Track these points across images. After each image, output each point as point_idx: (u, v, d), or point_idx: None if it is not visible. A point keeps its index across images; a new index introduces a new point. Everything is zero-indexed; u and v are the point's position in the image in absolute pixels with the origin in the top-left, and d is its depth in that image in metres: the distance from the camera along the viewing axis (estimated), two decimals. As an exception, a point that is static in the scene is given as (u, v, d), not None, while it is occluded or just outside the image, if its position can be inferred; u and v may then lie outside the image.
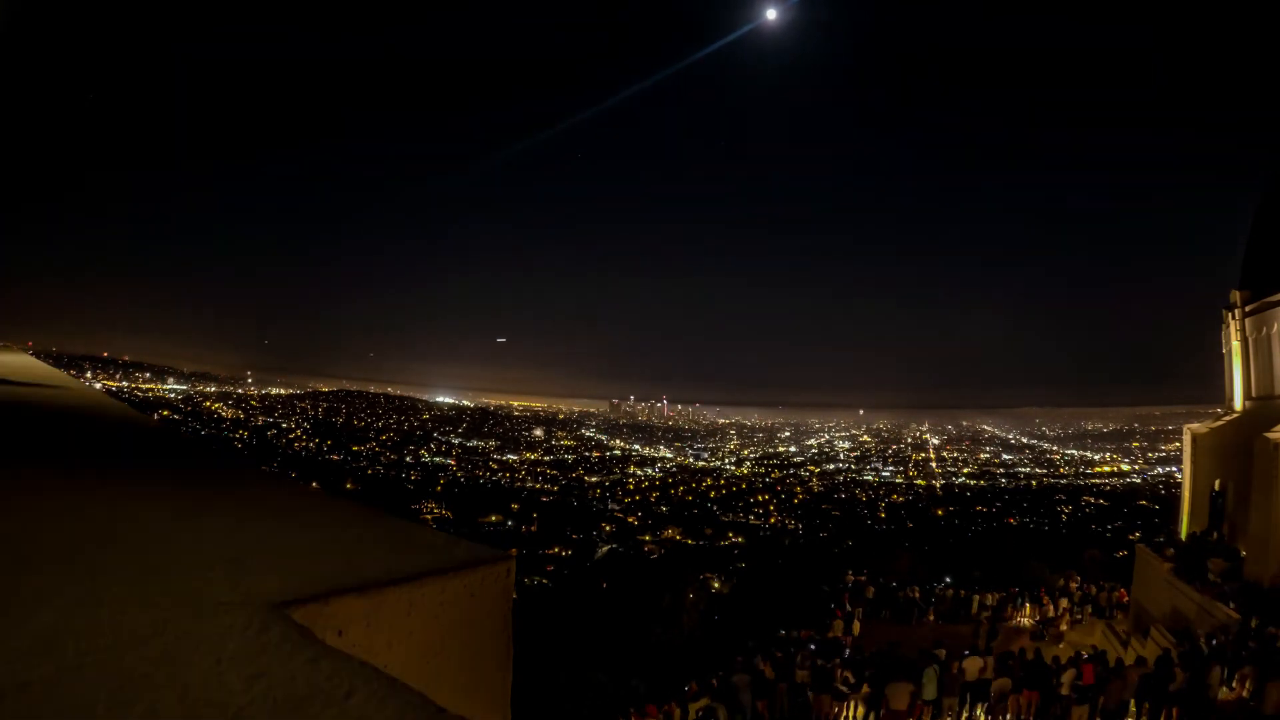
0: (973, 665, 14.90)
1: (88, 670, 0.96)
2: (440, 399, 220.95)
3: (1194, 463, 24.09)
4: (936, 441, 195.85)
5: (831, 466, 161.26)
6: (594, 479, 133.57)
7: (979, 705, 14.23)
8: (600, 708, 19.15)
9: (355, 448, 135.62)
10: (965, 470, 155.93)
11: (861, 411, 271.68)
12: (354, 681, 0.93)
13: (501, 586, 1.62)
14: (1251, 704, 11.72)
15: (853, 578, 26.68)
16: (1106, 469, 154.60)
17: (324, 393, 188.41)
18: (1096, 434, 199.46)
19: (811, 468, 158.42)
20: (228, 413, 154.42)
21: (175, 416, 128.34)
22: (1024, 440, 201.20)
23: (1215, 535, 20.69)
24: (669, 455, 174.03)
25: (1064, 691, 13.57)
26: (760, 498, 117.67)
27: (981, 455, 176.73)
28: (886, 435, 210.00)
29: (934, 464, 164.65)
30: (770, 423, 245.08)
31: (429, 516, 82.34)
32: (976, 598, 23.45)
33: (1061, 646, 19.57)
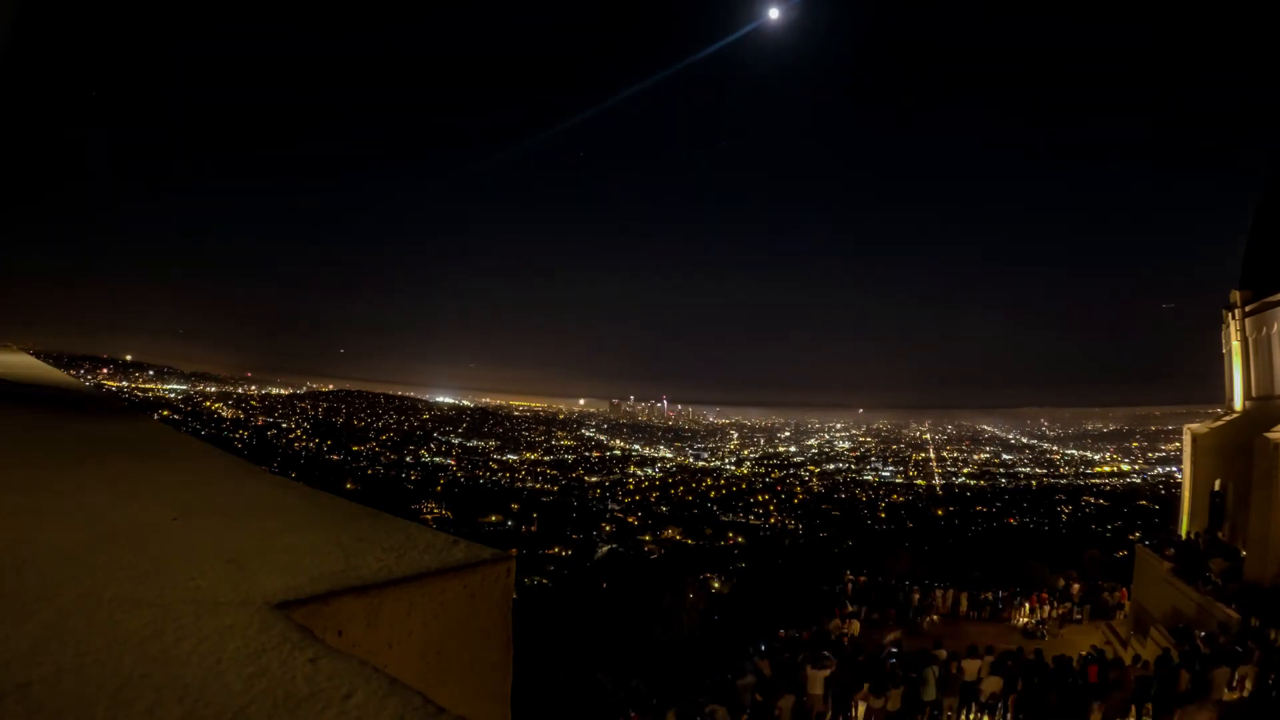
0: (972, 665, 14.91)
1: (88, 670, 0.96)
2: (440, 399, 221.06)
3: (1194, 463, 24.09)
4: (936, 439, 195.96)
5: (831, 466, 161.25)
6: (594, 479, 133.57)
7: (975, 705, 14.25)
8: (600, 708, 19.14)
9: (355, 448, 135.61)
10: (965, 470, 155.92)
11: (861, 411, 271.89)
12: (354, 681, 0.93)
13: (501, 586, 1.62)
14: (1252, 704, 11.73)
15: (852, 577, 26.69)
16: (1106, 469, 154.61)
17: (324, 393, 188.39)
18: (1096, 434, 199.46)
19: (811, 468, 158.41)
20: (228, 413, 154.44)
21: (175, 416, 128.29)
22: (1024, 440, 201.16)
23: (1215, 535, 20.69)
24: (669, 455, 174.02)
25: (1062, 691, 13.57)
26: (760, 498, 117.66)
27: (981, 455, 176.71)
28: (886, 435, 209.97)
29: (934, 464, 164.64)
30: (770, 423, 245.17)
31: (429, 516, 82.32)
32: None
33: (1061, 645, 19.57)
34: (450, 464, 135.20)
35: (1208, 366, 26.43)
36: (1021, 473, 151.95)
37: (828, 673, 14.63)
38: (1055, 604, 23.53)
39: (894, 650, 16.67)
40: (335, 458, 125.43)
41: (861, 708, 14.41)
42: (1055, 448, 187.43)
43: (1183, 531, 23.32)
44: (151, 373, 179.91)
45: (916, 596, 24.01)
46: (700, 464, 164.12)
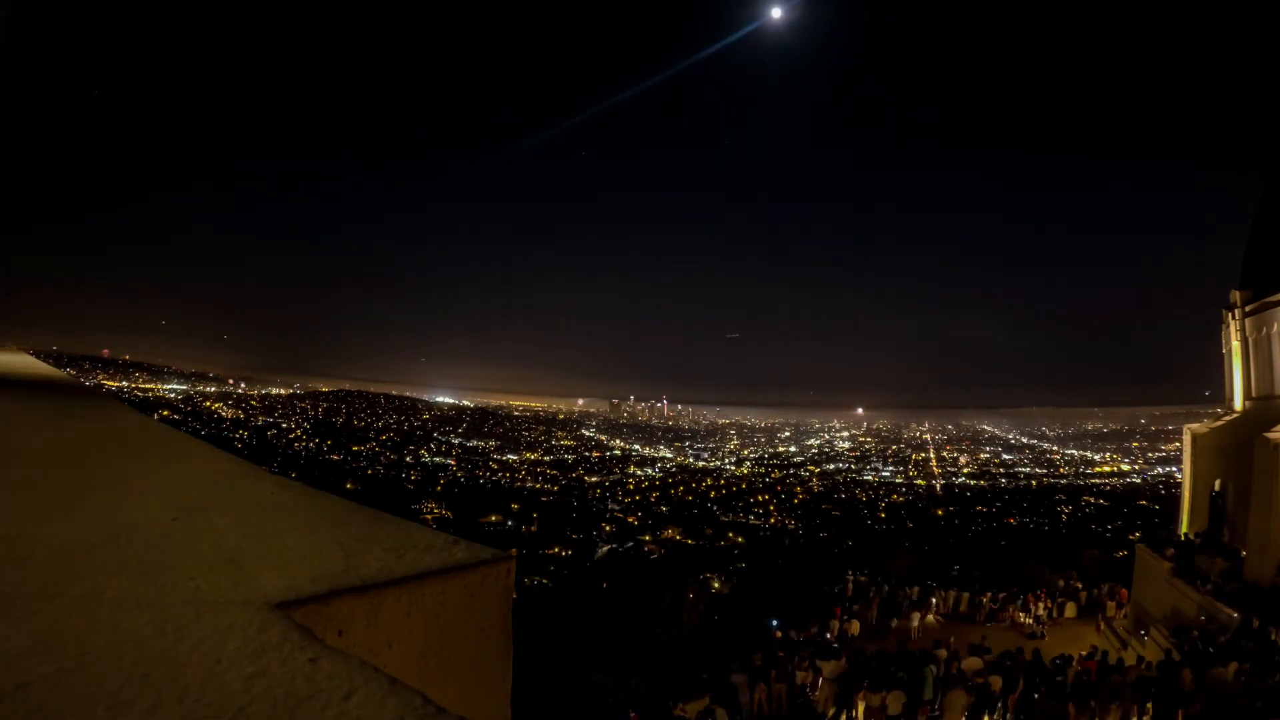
0: (971, 665, 14.91)
1: (89, 670, 0.96)
2: (440, 399, 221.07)
3: (1194, 463, 24.08)
4: (936, 439, 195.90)
5: (831, 466, 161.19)
6: (594, 479, 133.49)
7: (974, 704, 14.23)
8: (600, 708, 19.13)
9: (355, 448, 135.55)
10: (965, 470, 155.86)
11: (861, 411, 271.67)
12: (354, 681, 0.92)
13: (501, 586, 1.62)
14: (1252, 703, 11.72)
15: (853, 577, 26.69)
16: (1106, 469, 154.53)
17: (324, 393, 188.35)
18: (1096, 434, 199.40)
19: (811, 468, 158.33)
20: (228, 413, 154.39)
21: (175, 416, 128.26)
22: (1024, 440, 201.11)
23: (1215, 535, 20.69)
24: (669, 455, 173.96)
25: (1062, 691, 13.57)
26: (760, 498, 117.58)
27: (981, 455, 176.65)
28: (886, 435, 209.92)
29: (934, 464, 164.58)
30: (770, 423, 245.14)
31: (429, 516, 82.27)
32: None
33: (1060, 645, 19.56)
34: (450, 464, 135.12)
35: (1208, 366, 26.44)
36: (1021, 473, 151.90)
37: (836, 664, 14.65)
38: (1055, 604, 23.52)
39: (895, 650, 16.66)
40: (335, 458, 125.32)
41: (861, 707, 14.42)
42: (1055, 448, 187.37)
43: (1183, 531, 23.31)
44: (150, 374, 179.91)
45: (916, 596, 24.01)
46: (700, 464, 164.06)
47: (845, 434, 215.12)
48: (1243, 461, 19.72)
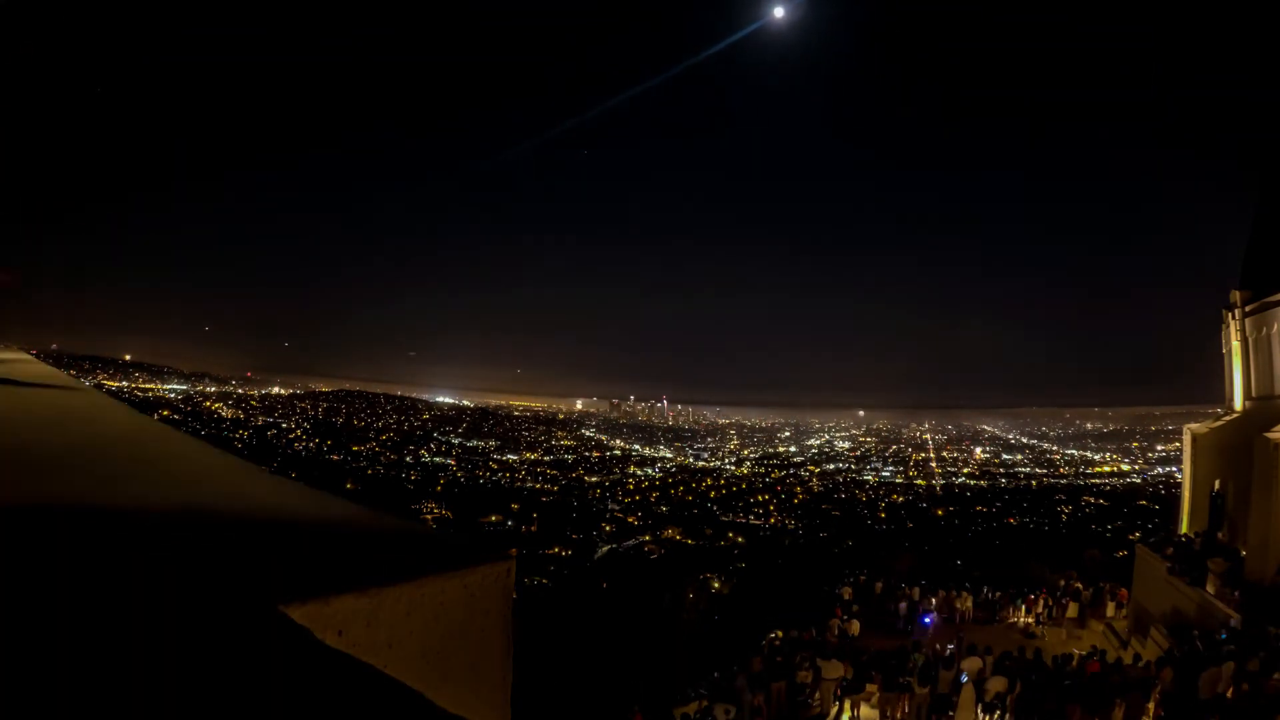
0: (972, 665, 14.91)
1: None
2: (440, 399, 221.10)
3: (1194, 463, 24.07)
4: (936, 439, 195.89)
5: (831, 466, 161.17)
6: (594, 479, 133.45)
7: (977, 705, 14.22)
8: (600, 708, 19.14)
9: (355, 448, 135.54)
10: (965, 470, 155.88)
11: (861, 412, 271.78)
12: (354, 682, 0.93)
13: (501, 586, 1.62)
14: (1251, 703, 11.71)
15: (853, 577, 26.70)
16: (1106, 469, 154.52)
17: (324, 393, 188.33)
18: (1096, 434, 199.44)
19: (811, 468, 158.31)
20: (228, 413, 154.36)
21: (175, 416, 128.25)
22: (1024, 440, 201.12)
23: (1215, 535, 20.69)
24: (669, 455, 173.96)
25: (1062, 691, 13.56)
26: (760, 498, 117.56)
27: (981, 455, 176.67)
28: (886, 435, 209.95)
29: (934, 464, 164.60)
30: (770, 423, 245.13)
31: (429, 516, 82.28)
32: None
33: (1060, 645, 19.57)
34: (450, 464, 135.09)
35: (1208, 366, 26.43)
36: (1021, 473, 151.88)
37: (837, 664, 14.64)
38: (1055, 604, 23.52)
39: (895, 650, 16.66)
40: (335, 458, 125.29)
41: (862, 707, 14.42)
42: (1055, 448, 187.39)
43: (1183, 531, 23.30)
44: (150, 374, 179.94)
45: (917, 596, 24.01)
46: (700, 464, 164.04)
47: (845, 434, 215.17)
48: (1243, 461, 19.71)
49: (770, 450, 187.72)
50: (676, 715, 14.28)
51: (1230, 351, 23.79)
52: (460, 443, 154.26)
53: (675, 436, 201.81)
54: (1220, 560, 18.44)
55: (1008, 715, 13.97)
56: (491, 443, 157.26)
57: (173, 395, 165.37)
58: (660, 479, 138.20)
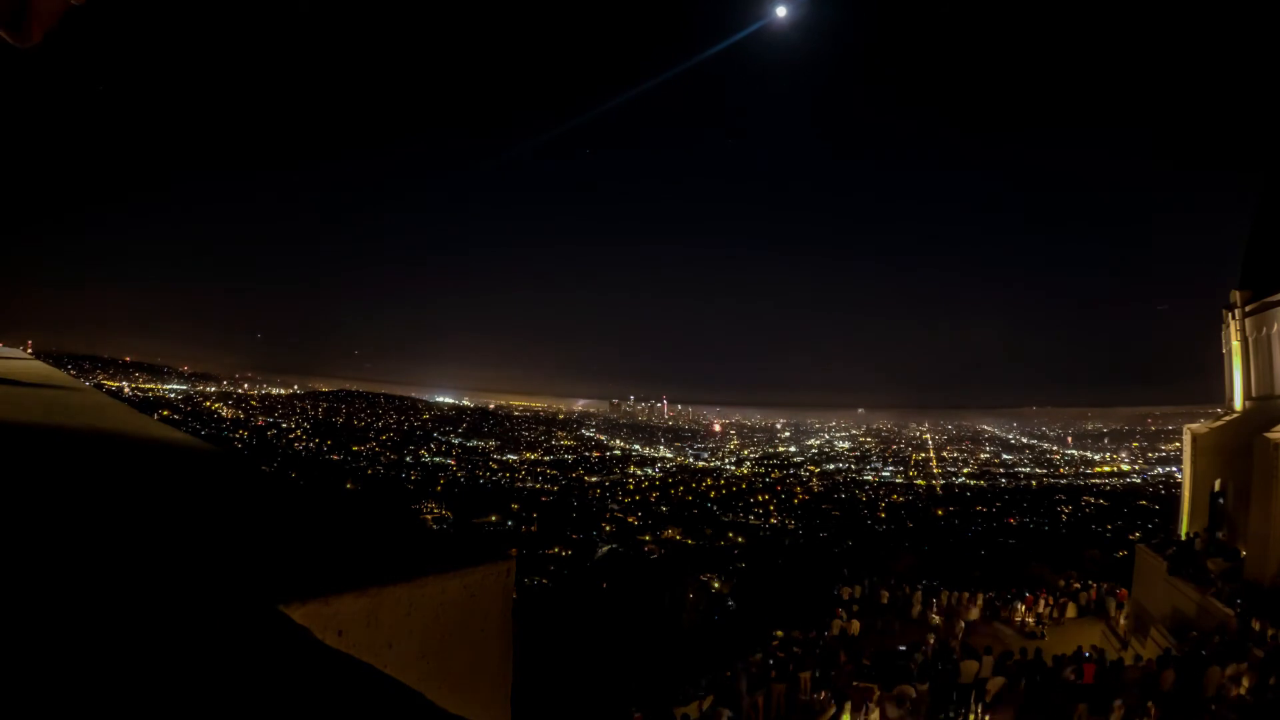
0: (971, 666, 14.91)
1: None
2: (440, 399, 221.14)
3: (1194, 463, 24.08)
4: (936, 439, 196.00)
5: (831, 466, 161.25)
6: (594, 479, 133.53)
7: (978, 705, 14.24)
8: (600, 708, 19.14)
9: (355, 448, 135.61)
10: (965, 470, 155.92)
11: (861, 411, 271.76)
12: (354, 682, 0.92)
13: (501, 586, 1.62)
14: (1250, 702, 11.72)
15: (852, 577, 26.71)
16: (1106, 469, 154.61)
17: (324, 393, 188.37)
18: (1096, 434, 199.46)
19: (811, 468, 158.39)
20: (228, 413, 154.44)
21: (175, 416, 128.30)
22: (1024, 440, 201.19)
23: (1215, 535, 20.70)
24: (669, 455, 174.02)
25: (1063, 690, 13.57)
26: (760, 498, 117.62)
27: (981, 455, 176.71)
28: (886, 435, 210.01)
29: (934, 464, 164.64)
30: (770, 423, 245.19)
31: (429, 516, 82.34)
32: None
33: (1060, 645, 19.58)
34: (450, 464, 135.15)
35: (1208, 366, 26.44)
36: (1021, 473, 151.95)
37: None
38: (1055, 604, 23.53)
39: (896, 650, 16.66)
40: (335, 458, 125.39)
41: (876, 713, 14.41)
42: (1055, 448, 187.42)
43: (1183, 531, 23.31)
44: (150, 374, 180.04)
45: (917, 596, 24.02)
46: (700, 464, 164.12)
47: (845, 434, 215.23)
48: (1243, 461, 19.72)
49: (770, 450, 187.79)
50: (677, 715, 14.28)
51: (1230, 351, 23.80)
52: (460, 443, 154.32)
53: (675, 436, 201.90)
54: (1220, 560, 18.47)
55: (1008, 715, 13.98)
56: (491, 443, 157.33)
57: (173, 395, 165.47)
58: (660, 479, 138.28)
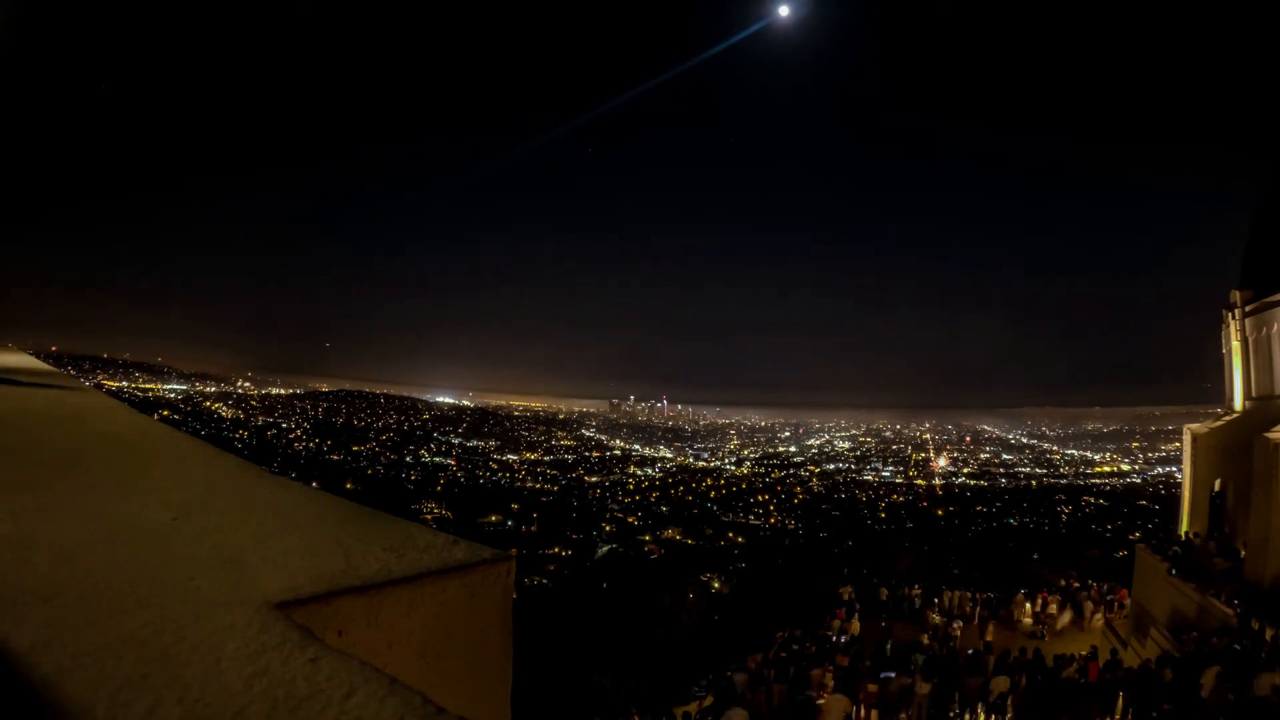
0: (971, 666, 14.90)
1: (88, 671, 0.96)
2: (440, 399, 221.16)
3: (1194, 463, 24.06)
4: (936, 439, 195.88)
5: (831, 466, 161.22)
6: (594, 479, 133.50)
7: (978, 705, 14.23)
8: (600, 708, 19.14)
9: (355, 448, 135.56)
10: (965, 470, 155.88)
11: (861, 411, 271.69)
12: (354, 681, 0.93)
13: (501, 586, 1.62)
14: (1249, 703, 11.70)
15: (853, 577, 26.70)
16: (1106, 469, 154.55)
17: (324, 393, 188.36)
18: (1096, 434, 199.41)
19: (811, 468, 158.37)
20: (228, 413, 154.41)
21: (175, 416, 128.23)
22: (1024, 440, 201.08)
23: (1215, 535, 20.68)
24: (669, 455, 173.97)
25: (1064, 690, 13.56)
26: (760, 498, 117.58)
27: (981, 455, 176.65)
28: (886, 435, 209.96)
29: (934, 464, 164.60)
30: (770, 423, 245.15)
31: (429, 516, 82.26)
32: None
33: (1060, 645, 19.57)
34: (450, 464, 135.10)
35: (1208, 366, 26.41)
36: (1021, 473, 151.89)
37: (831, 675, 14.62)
38: (1056, 603, 23.51)
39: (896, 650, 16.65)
40: (335, 458, 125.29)
41: (862, 707, 14.40)
42: (1055, 448, 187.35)
43: (1183, 531, 23.29)
44: (150, 374, 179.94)
45: (918, 596, 24.00)
46: (700, 464, 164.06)
47: (845, 434, 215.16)
48: (1243, 461, 19.70)
49: (770, 450, 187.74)
50: (677, 715, 14.27)
51: (1230, 351, 23.78)
52: (460, 443, 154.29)
53: (675, 436, 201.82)
54: (1220, 560, 18.45)
55: (1009, 715, 13.98)
56: (491, 443, 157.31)
57: (173, 395, 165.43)
58: (660, 479, 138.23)
